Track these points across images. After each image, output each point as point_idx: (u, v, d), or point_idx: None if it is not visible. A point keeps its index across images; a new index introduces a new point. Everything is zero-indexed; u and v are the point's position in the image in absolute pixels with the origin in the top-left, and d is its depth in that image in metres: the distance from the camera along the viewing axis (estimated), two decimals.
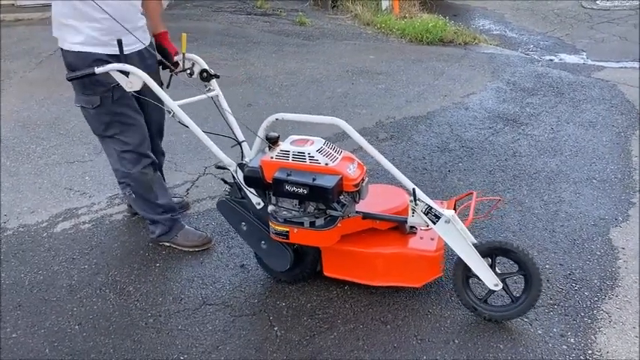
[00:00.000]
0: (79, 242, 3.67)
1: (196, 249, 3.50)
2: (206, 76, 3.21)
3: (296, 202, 2.75)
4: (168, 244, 3.54)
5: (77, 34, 2.92)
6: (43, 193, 4.26)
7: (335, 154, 2.75)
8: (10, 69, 7.04)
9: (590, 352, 2.69)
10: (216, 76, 3.22)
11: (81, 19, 2.90)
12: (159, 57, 3.27)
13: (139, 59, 3.10)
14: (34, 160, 4.80)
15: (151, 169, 3.33)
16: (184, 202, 3.96)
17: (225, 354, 2.76)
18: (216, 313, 3.03)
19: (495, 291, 2.77)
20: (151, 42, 3.27)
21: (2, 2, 10.52)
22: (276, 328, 2.91)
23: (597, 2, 10.44)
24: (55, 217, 3.96)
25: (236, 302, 3.11)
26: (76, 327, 2.97)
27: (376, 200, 2.98)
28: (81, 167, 4.62)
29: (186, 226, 3.57)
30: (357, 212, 2.88)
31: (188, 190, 4.23)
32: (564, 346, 2.73)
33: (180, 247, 3.52)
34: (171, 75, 3.26)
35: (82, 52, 2.94)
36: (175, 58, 3.25)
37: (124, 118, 3.12)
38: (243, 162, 2.96)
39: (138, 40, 3.08)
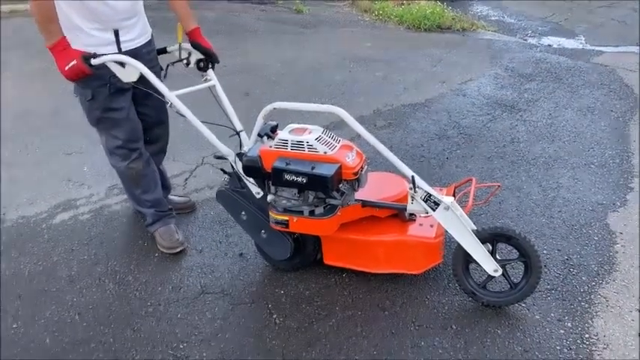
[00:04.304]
0: (78, 233, 3.69)
1: (164, 250, 3.46)
2: (203, 66, 3.21)
3: (295, 191, 2.76)
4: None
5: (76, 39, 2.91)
6: (41, 185, 4.27)
7: (334, 143, 2.75)
8: (7, 61, 7.01)
9: (587, 335, 2.72)
10: (216, 60, 3.22)
11: (74, 29, 2.89)
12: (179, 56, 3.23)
13: (133, 57, 3.03)
14: (33, 151, 4.80)
15: (140, 164, 3.31)
16: (188, 202, 3.91)
17: (224, 341, 2.79)
18: (216, 301, 3.06)
19: (495, 277, 2.79)
20: (150, 39, 3.26)
21: None
22: (274, 316, 2.93)
23: None
24: (54, 208, 3.97)
25: (235, 291, 3.13)
26: (76, 317, 2.99)
27: (375, 188, 3.00)
28: (79, 158, 4.63)
29: (172, 226, 3.53)
30: (356, 200, 2.90)
31: (186, 179, 4.24)
32: (561, 331, 2.75)
33: (157, 244, 3.51)
34: (168, 65, 3.25)
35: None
36: (170, 49, 3.24)
37: (115, 113, 3.10)
38: (242, 151, 2.97)
39: (127, 40, 3.03)
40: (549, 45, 7.78)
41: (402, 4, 9.42)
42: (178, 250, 3.44)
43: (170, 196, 3.80)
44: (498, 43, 7.74)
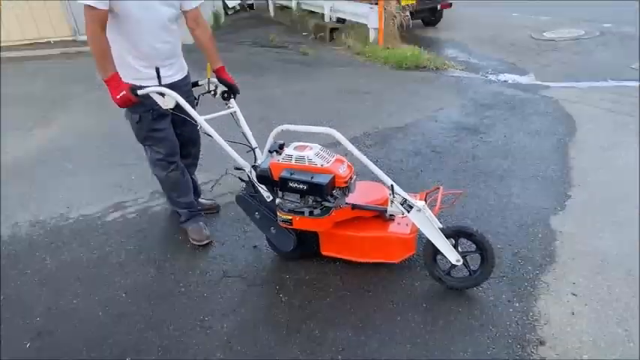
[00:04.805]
0: (127, 228, 3.71)
1: (195, 242, 3.47)
2: (226, 96, 3.25)
3: (298, 195, 2.79)
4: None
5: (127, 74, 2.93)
6: (97, 190, 4.30)
7: (329, 157, 2.79)
8: (73, 92, 7.08)
9: (531, 314, 2.73)
10: (237, 92, 3.24)
11: (126, 67, 2.94)
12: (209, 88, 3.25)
13: (172, 88, 3.04)
14: (91, 163, 4.83)
15: (177, 173, 3.34)
16: (214, 204, 3.90)
17: (240, 315, 2.81)
18: (234, 283, 3.07)
19: (457, 265, 2.80)
20: (186, 75, 3.27)
21: (65, 38, 10.57)
22: (281, 295, 2.95)
23: (544, 34, 10.38)
24: (107, 208, 4.00)
25: (250, 275, 3.15)
26: (123, 295, 3.02)
27: (363, 194, 3.01)
28: (128, 169, 4.65)
29: (201, 223, 3.54)
30: (347, 203, 2.92)
31: (213, 186, 4.24)
32: (510, 310, 2.76)
33: (189, 237, 3.52)
34: (199, 96, 3.29)
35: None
36: (201, 82, 3.27)
37: (157, 133, 3.15)
38: (256, 164, 3.00)
39: (166, 76, 3.07)
40: (505, 81, 7.77)
41: (388, 47, 9.43)
42: (205, 242, 3.46)
43: (200, 200, 3.82)
44: (465, 79, 7.74)
